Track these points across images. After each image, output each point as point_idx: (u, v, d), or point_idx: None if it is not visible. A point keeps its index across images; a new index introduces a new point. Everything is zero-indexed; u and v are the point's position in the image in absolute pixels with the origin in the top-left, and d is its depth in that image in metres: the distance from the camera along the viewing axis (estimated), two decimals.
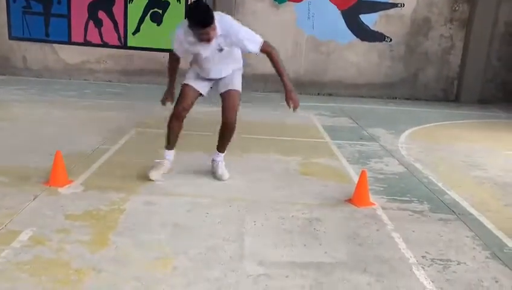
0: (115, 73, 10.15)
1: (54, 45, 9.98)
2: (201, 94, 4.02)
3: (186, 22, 3.60)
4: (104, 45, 10.01)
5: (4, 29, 9.88)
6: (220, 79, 3.96)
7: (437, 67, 10.33)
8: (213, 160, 4.25)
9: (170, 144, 4.11)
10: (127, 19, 9.95)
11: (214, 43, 3.64)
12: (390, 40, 10.14)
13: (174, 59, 3.96)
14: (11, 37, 9.94)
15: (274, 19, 9.88)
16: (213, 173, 4.23)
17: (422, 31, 10.13)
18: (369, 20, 10.05)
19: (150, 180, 3.97)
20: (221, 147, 4.19)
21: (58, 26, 9.90)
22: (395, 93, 10.35)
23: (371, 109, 8.75)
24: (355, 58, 10.21)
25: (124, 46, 10.04)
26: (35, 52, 10.03)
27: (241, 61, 4.03)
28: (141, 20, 9.98)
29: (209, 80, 3.99)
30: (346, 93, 10.21)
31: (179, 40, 3.75)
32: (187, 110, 3.96)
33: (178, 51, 3.85)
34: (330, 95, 10.13)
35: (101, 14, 9.89)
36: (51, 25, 9.92)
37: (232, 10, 9.75)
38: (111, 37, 10.00)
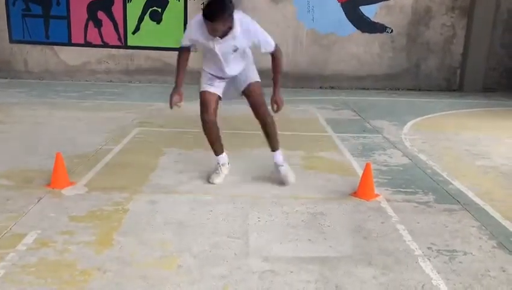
0: (116, 73, 10.17)
1: (55, 46, 10.01)
2: (219, 97, 3.91)
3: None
4: (104, 45, 10.03)
5: (4, 32, 9.91)
6: (236, 76, 3.89)
7: (439, 57, 10.27)
8: (274, 163, 4.09)
9: (215, 149, 4.04)
10: (126, 18, 9.94)
11: (229, 42, 3.59)
12: (391, 30, 10.08)
13: (182, 57, 3.83)
14: (11, 41, 9.97)
15: (274, 13, 9.85)
16: (277, 176, 4.06)
17: (424, 20, 10.07)
18: (369, 11, 10.00)
19: (213, 183, 3.96)
20: (272, 145, 4.06)
21: (58, 28, 9.93)
22: (398, 84, 10.30)
23: (373, 101, 8.71)
24: (357, 50, 10.16)
25: (124, 45, 10.04)
26: (36, 55, 10.06)
27: (251, 55, 3.94)
28: (141, 19, 9.97)
29: (223, 78, 3.90)
30: (349, 85, 10.18)
31: (191, 29, 3.67)
32: (213, 115, 3.85)
33: (186, 39, 3.73)
34: (332, 88, 10.10)
35: (101, 15, 9.90)
36: (50, 27, 9.94)
37: None
38: (111, 37, 10.00)
